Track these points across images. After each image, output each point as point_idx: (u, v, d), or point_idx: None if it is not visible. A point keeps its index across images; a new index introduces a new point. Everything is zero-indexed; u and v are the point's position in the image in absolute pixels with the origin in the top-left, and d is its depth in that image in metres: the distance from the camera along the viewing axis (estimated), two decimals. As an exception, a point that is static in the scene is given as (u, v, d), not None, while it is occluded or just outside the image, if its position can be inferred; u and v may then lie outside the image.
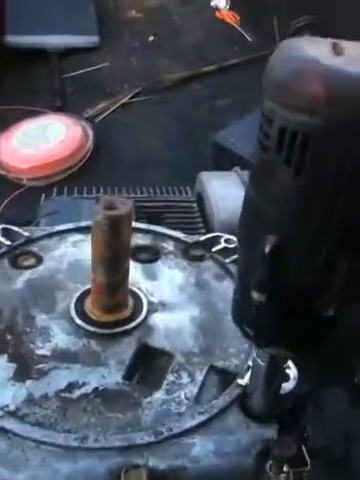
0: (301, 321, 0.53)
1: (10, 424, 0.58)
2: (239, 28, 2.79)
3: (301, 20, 2.44)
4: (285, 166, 0.46)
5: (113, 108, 2.32)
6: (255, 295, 0.52)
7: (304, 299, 0.52)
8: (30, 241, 0.84)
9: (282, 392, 0.64)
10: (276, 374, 0.59)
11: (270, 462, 0.59)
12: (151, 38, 2.79)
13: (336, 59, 0.44)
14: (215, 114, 2.29)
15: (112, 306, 0.72)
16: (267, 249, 0.49)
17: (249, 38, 2.74)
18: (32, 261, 0.81)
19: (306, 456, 0.72)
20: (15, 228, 0.84)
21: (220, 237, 0.88)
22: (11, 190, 1.82)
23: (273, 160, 0.47)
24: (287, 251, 0.49)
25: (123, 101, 2.36)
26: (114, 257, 0.68)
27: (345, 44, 0.45)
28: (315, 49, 0.45)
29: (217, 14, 2.89)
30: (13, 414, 0.60)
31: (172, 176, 1.94)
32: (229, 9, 2.91)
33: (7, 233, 0.83)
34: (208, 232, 1.06)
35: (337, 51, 0.45)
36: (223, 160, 1.79)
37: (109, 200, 0.67)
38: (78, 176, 1.93)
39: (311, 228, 0.48)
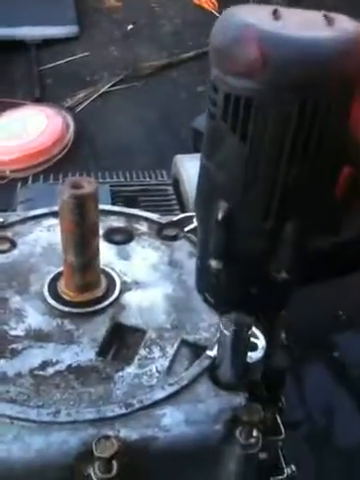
0: (257, 285, 0.55)
1: (-17, 402, 0.59)
2: (217, 14, 2.79)
3: (275, 2, 2.45)
4: (231, 133, 0.47)
5: (93, 97, 2.32)
6: (213, 263, 0.53)
7: (257, 264, 0.53)
8: (3, 226, 0.85)
9: (250, 361, 0.65)
10: (241, 342, 0.60)
11: (240, 428, 0.60)
12: (130, 26, 2.78)
13: (273, 24, 0.45)
14: (195, 100, 2.29)
15: (84, 286, 0.73)
16: (219, 216, 0.50)
17: (228, 23, 2.75)
18: (6, 246, 0.82)
19: (281, 426, 0.74)
20: (-12, 214, 0.85)
21: (193, 217, 0.89)
22: (-7, 182, 1.83)
23: (220, 128, 0.48)
24: (237, 217, 0.50)
25: (103, 90, 2.36)
26: (83, 236, 0.69)
27: (286, 11, 0.47)
28: (254, 15, 0.46)
29: (195, 0, 2.89)
30: (-13, 393, 0.61)
31: (154, 163, 1.94)
32: (207, -5, 2.90)
33: (-20, 220, 0.84)
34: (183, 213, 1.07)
35: (276, 16, 0.46)
36: (201, 145, 1.80)
37: (75, 180, 0.67)
38: (60, 166, 1.93)
39: (258, 193, 0.50)
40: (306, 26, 0.46)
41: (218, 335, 0.68)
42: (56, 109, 2.16)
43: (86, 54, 2.60)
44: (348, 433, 1.17)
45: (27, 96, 2.29)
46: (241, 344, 0.60)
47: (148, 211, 0.94)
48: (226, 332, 0.58)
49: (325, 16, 0.47)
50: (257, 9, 0.48)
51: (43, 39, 2.60)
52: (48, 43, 2.62)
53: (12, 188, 1.83)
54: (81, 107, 2.28)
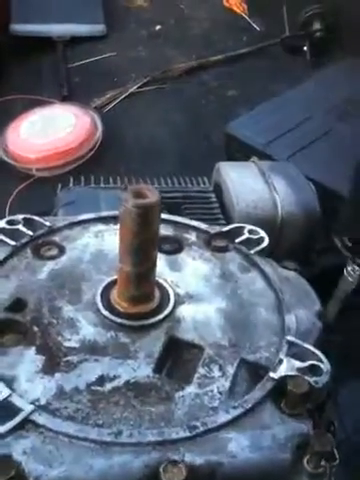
0: None
1: (42, 419, 0.57)
2: (247, 17, 2.76)
3: (310, 9, 2.42)
4: None
5: (121, 98, 2.30)
6: None
7: None
8: (52, 231, 0.82)
9: (316, 386, 0.62)
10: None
11: (307, 457, 0.58)
12: (158, 27, 2.76)
13: None
14: (223, 104, 2.26)
15: (139, 297, 0.70)
16: None
17: (257, 28, 2.71)
18: (55, 251, 0.80)
19: (335, 451, 0.71)
20: (37, 218, 0.83)
21: (243, 228, 0.86)
22: (20, 181, 1.80)
23: None
24: None
25: (131, 91, 2.33)
26: (143, 246, 0.66)
27: None
28: None
29: (225, 3, 2.86)
30: (44, 408, 0.58)
31: (182, 166, 1.92)
32: (237, -2, 2.88)
33: (29, 223, 0.82)
34: (227, 223, 1.05)
35: None
36: (235, 151, 1.78)
37: (137, 188, 0.65)
38: (87, 166, 1.91)
39: None
40: None
41: (280, 356, 0.65)
42: (84, 109, 2.14)
43: (113, 54, 2.59)
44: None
45: (54, 94, 2.28)
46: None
47: (193, 219, 0.91)
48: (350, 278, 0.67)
49: None
50: None
51: (71, 37, 2.58)
52: (75, 41, 2.60)
53: (39, 187, 1.83)
54: (109, 108, 2.25)
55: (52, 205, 1.12)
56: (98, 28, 2.67)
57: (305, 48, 2.43)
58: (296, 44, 2.45)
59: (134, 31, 2.75)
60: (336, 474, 0.74)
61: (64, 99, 2.22)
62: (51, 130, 1.97)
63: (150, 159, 2.00)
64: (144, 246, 0.66)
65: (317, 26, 2.45)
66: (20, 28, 2.50)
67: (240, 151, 1.73)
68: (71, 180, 1.13)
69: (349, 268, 0.72)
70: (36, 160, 1.88)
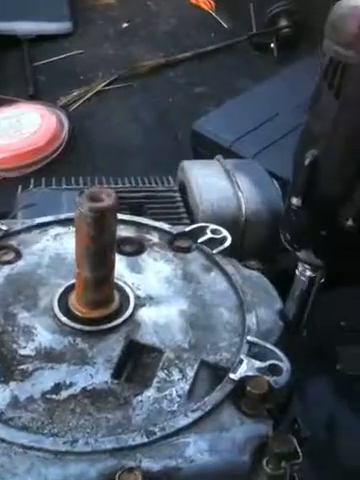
0: (327, 228, 0.66)
1: (-5, 429, 0.55)
2: (214, 14, 2.76)
3: (277, 6, 2.42)
4: (328, 90, 0.59)
5: (88, 96, 2.27)
6: (294, 200, 0.66)
7: (329, 207, 0.64)
8: (8, 235, 0.80)
9: (276, 386, 0.62)
10: (311, 287, 0.75)
11: (266, 458, 0.57)
12: (125, 24, 2.73)
13: None
14: (192, 101, 2.26)
15: (98, 301, 0.69)
16: (307, 161, 0.63)
17: (225, 24, 2.71)
18: (11, 256, 0.78)
19: (298, 449, 0.71)
20: (-8, 222, 0.81)
21: (206, 227, 0.86)
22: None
23: (321, 85, 0.60)
24: (322, 164, 0.62)
25: (98, 89, 2.31)
26: (100, 250, 0.65)
27: None
28: None
29: (192, 0, 2.85)
30: (-2, 418, 0.57)
31: (151, 165, 1.91)
32: (204, -5, 2.87)
33: (-16, 227, 0.80)
34: (192, 222, 1.04)
35: None
36: (202, 148, 1.77)
37: (93, 192, 0.64)
38: (54, 167, 1.88)
39: (343, 146, 0.61)
40: None
41: (241, 356, 0.65)
42: (50, 108, 2.10)
43: (80, 52, 2.55)
44: (352, 450, 1.15)
45: (20, 93, 2.24)
46: (311, 290, 0.74)
47: (156, 219, 0.90)
48: (302, 278, 0.71)
49: None
50: None
51: (36, 35, 2.54)
52: (41, 39, 2.56)
53: (4, 188, 1.79)
54: (75, 106, 2.23)
55: (13, 202, 1.10)
56: (64, 26, 2.63)
57: (272, 45, 2.43)
58: (263, 41, 2.45)
59: (101, 28, 2.72)
60: (302, 471, 0.74)
61: (30, 98, 2.18)
62: (17, 130, 1.94)
63: (118, 157, 1.99)
64: (101, 250, 0.65)
65: (284, 23, 2.46)
66: (-16, 26, 2.45)
67: (207, 149, 1.73)
68: (32, 181, 1.10)
69: (300, 268, 0.73)
70: (1, 160, 1.85)
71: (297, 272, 0.75)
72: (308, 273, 0.75)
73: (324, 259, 0.71)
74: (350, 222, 0.64)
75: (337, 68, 0.59)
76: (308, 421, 1.18)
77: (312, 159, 0.63)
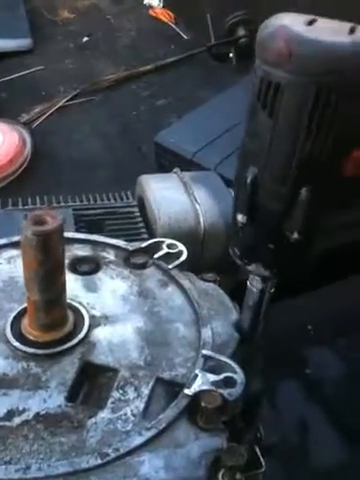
0: (274, 242, 0.66)
1: None
2: (174, 26, 2.78)
3: (235, 16, 2.46)
4: (262, 109, 0.59)
5: (50, 112, 2.27)
6: (239, 217, 0.66)
7: (274, 222, 0.65)
8: None
9: (230, 398, 0.63)
10: (263, 297, 0.77)
11: (222, 471, 0.58)
12: (85, 39, 2.74)
13: (303, 27, 0.58)
14: (155, 114, 2.27)
15: (50, 324, 0.69)
16: (248, 179, 0.63)
17: (184, 36, 2.74)
18: (-36, 281, 0.77)
19: (261, 458, 0.71)
20: None
21: (162, 242, 0.86)
22: None
23: (254, 104, 0.60)
24: (262, 181, 0.63)
25: (60, 104, 2.31)
26: (48, 273, 0.65)
27: (321, 20, 0.60)
28: (291, 19, 0.59)
29: (151, 12, 2.87)
30: None
31: (115, 178, 1.92)
32: (163, 7, 2.90)
33: None
34: (150, 237, 1.05)
35: (310, 23, 0.59)
36: (165, 160, 1.78)
37: (37, 215, 0.63)
38: (17, 184, 1.88)
39: (278, 161, 0.61)
40: (331, 32, 0.58)
41: (196, 371, 0.65)
42: (12, 125, 2.10)
43: (41, 68, 2.55)
44: (322, 452, 1.16)
45: (-20, 111, 2.22)
46: (263, 298, 0.75)
47: (115, 236, 0.90)
48: (253, 288, 0.73)
49: (351, 27, 0.59)
50: (298, 16, 0.60)
51: (-4, 52, 2.53)
52: (2, 56, 2.56)
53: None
54: (38, 122, 2.22)
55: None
56: (25, 42, 2.63)
57: (231, 54, 2.47)
58: (222, 51, 2.49)
59: (61, 44, 2.73)
60: (272, 474, 0.75)
61: (-9, 116, 2.17)
62: (-23, 149, 1.92)
63: (82, 172, 1.99)
64: (49, 273, 0.65)
65: (242, 32, 2.49)
66: None
67: (170, 160, 1.74)
68: (-10, 203, 1.10)
69: (251, 280, 0.74)
70: None
71: (248, 284, 0.76)
72: (259, 285, 0.76)
73: (273, 271, 0.72)
74: (295, 235, 0.65)
75: (269, 88, 0.58)
76: (278, 426, 1.19)
77: (252, 177, 0.64)
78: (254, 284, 0.76)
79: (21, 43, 2.65)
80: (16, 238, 0.84)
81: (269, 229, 0.66)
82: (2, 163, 1.90)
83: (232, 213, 0.70)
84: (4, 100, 2.35)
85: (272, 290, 0.77)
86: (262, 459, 0.73)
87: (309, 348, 1.35)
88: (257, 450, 0.75)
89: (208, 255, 1.07)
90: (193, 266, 0.86)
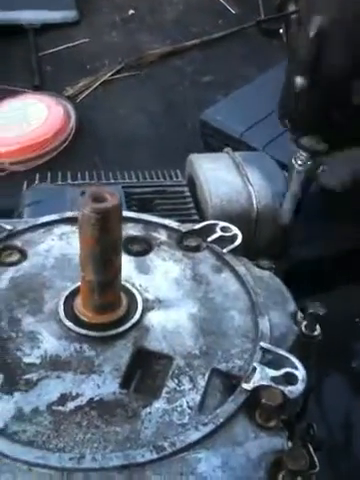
0: (337, 108, 0.61)
1: (-2, 445, 0.53)
2: (222, 0, 2.69)
3: (286, -10, 2.36)
4: None
5: (94, 86, 2.23)
6: (298, 80, 0.62)
7: (342, 82, 0.59)
8: (12, 235, 0.77)
9: (291, 396, 0.59)
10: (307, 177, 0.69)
11: (282, 474, 0.55)
12: (131, 12, 2.68)
13: None
14: (200, 90, 2.21)
15: (104, 306, 0.66)
16: (312, 33, 0.57)
17: (232, 10, 2.65)
18: (16, 257, 0.75)
19: (315, 458, 0.68)
20: (-5, 221, 0.78)
21: (216, 225, 0.82)
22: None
23: None
24: (330, 34, 0.56)
25: (104, 78, 2.27)
26: (105, 253, 0.62)
27: None
28: None
29: (199, -15, 2.78)
30: (2, 433, 0.54)
31: (159, 156, 1.88)
32: (212, -20, 2.81)
33: (-13, 227, 0.77)
34: (201, 218, 1.01)
35: None
36: (212, 139, 1.73)
37: (96, 192, 0.60)
38: (61, 159, 1.85)
39: (355, 10, 0.55)
40: None
41: (254, 364, 0.62)
42: (56, 98, 2.07)
43: (86, 40, 2.51)
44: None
45: (25, 84, 2.20)
46: (310, 179, 0.68)
47: (165, 216, 0.87)
48: (297, 166, 0.66)
49: None
50: None
51: (42, 24, 2.50)
52: (47, 28, 2.52)
53: (12, 181, 1.77)
54: (82, 97, 2.19)
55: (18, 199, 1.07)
56: (70, 14, 2.59)
57: (281, 30, 2.37)
58: (272, 27, 2.40)
59: (107, 16, 2.68)
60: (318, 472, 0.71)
61: (36, 89, 2.15)
62: (23, 121, 1.91)
63: (125, 149, 1.95)
64: (106, 253, 0.62)
65: (293, 8, 2.39)
66: (-12, 15, 2.41)
67: (217, 139, 1.69)
68: (37, 177, 1.07)
69: (297, 157, 0.71)
70: (8, 153, 1.82)
71: (292, 162, 0.73)
72: (306, 162, 0.71)
73: (330, 142, 0.65)
74: None
75: None
76: (323, 421, 1.16)
77: (318, 30, 0.57)
78: (300, 162, 0.71)
79: (66, 15, 2.61)
80: (69, 214, 0.82)
81: (333, 92, 0.60)
82: (47, 137, 1.88)
83: (286, 81, 0.64)
84: (49, 73, 2.33)
85: (320, 170, 0.71)
86: (316, 460, 0.69)
87: (356, 341, 1.30)
88: (311, 449, 0.72)
89: (259, 239, 1.03)
90: (244, 250, 0.82)
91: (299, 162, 0.70)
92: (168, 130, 2.06)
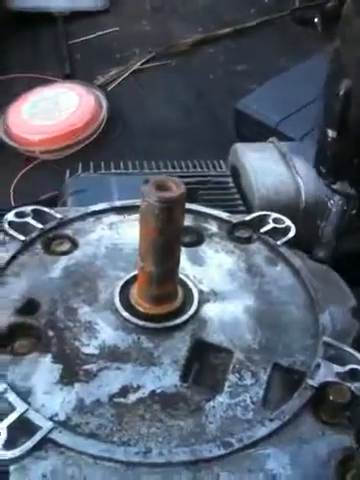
0: None
1: (63, 437, 0.52)
2: (254, -12, 2.65)
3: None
4: (357, 15, 0.60)
5: (125, 75, 2.21)
6: (329, 132, 0.69)
7: None
8: (63, 224, 0.76)
9: (359, 393, 0.57)
10: (344, 217, 0.80)
11: (352, 473, 0.53)
12: (162, 0, 2.65)
13: None
14: (232, 80, 2.18)
15: (162, 296, 0.65)
16: (341, 92, 0.65)
17: (265, -1, 2.61)
18: (67, 246, 0.74)
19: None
20: (46, 209, 0.77)
21: (268, 216, 0.80)
22: (23, 163, 1.74)
23: (349, 11, 0.62)
24: (356, 92, 0.64)
25: (135, 67, 2.25)
26: (167, 244, 0.60)
27: None
28: None
29: (231, -27, 2.74)
30: (65, 424, 0.53)
31: (191, 145, 1.85)
32: (244, -32, 2.76)
33: (38, 215, 0.76)
34: (247, 209, 0.99)
35: None
36: (246, 129, 1.70)
37: (160, 180, 0.59)
38: (93, 148, 1.84)
39: None
40: None
41: (318, 360, 0.60)
42: (87, 87, 2.05)
43: (116, 29, 2.49)
44: None
45: (56, 72, 2.19)
46: (344, 216, 0.78)
47: (211, 207, 0.85)
48: (333, 208, 0.77)
49: None
50: None
51: (71, 12, 2.49)
52: (76, 16, 2.51)
53: (44, 170, 1.76)
54: (112, 86, 2.17)
55: (57, 189, 1.06)
56: (100, 2, 2.57)
57: (316, 19, 2.33)
58: (307, 15, 2.35)
59: (137, 4, 2.65)
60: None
61: (66, 77, 2.14)
62: (54, 110, 1.90)
63: (157, 138, 1.93)
64: (168, 244, 0.60)
65: (328, -4, 2.35)
66: (18, 3, 2.40)
67: (251, 129, 1.66)
68: (80, 166, 1.06)
69: (334, 200, 0.82)
70: (39, 142, 1.81)
71: (329, 205, 0.82)
72: (341, 205, 0.80)
73: (358, 189, 0.75)
74: None
75: None
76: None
77: (346, 89, 0.65)
78: (336, 205, 0.79)
79: (96, 3, 2.59)
80: (117, 203, 0.80)
81: (358, 143, 0.69)
82: (79, 126, 1.86)
83: (320, 133, 0.72)
84: (79, 61, 2.31)
85: (354, 212, 0.80)
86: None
87: None
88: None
89: (306, 231, 1.01)
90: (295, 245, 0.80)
91: (335, 205, 0.81)
92: (199, 120, 2.04)
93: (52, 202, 1.08)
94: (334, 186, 0.76)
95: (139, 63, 2.29)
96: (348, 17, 0.62)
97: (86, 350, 0.60)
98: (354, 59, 0.63)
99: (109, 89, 2.15)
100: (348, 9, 0.61)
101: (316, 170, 0.76)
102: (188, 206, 0.82)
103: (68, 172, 1.03)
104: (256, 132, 1.55)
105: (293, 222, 0.81)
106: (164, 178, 0.59)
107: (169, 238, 0.60)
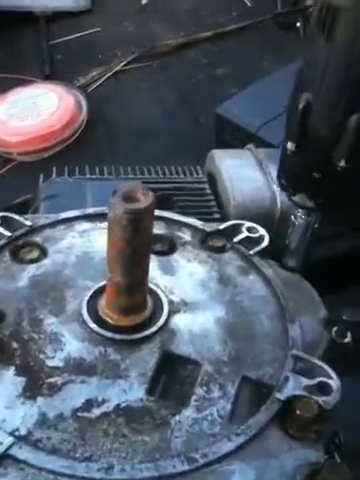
0: (320, 170, 0.67)
1: (23, 452, 0.50)
2: (237, -9, 2.65)
3: (303, -17, 2.32)
4: (320, 35, 0.60)
5: (107, 76, 2.20)
6: (289, 145, 0.67)
7: (322, 149, 0.66)
8: (32, 231, 0.75)
9: (326, 407, 0.57)
10: (308, 230, 0.79)
11: (317, 488, 0.52)
12: (145, 1, 2.64)
13: None
14: (214, 83, 2.18)
15: (130, 307, 0.64)
16: (300, 105, 0.64)
17: (248, 3, 2.61)
18: (36, 254, 0.73)
19: (345, 467, 0.66)
20: (15, 216, 0.75)
21: (241, 225, 0.80)
22: (1, 165, 1.71)
23: (314, 31, 0.62)
24: (314, 107, 0.64)
25: (117, 68, 2.23)
26: (135, 255, 0.59)
27: None
28: None
29: (214, -24, 2.74)
30: (25, 439, 0.52)
31: (172, 149, 1.84)
32: (227, -29, 2.76)
33: (6, 222, 0.74)
34: (222, 217, 0.98)
35: None
36: (226, 134, 1.70)
37: (128, 191, 0.58)
38: (72, 150, 1.82)
39: (332, 86, 0.63)
40: None
41: (286, 373, 0.60)
42: (68, 88, 2.03)
43: (98, 29, 2.47)
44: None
45: (36, 73, 2.17)
46: (308, 231, 0.78)
47: (186, 214, 0.84)
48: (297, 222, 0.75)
49: None
50: None
51: (53, 12, 2.47)
52: (58, 16, 2.48)
53: (21, 173, 1.74)
54: (93, 87, 2.15)
55: (35, 192, 1.05)
56: (82, 2, 2.54)
57: (298, 24, 2.33)
58: (289, 20, 2.36)
59: (119, 5, 2.63)
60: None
61: (46, 78, 2.11)
62: (33, 111, 1.87)
63: (138, 141, 1.92)
64: (136, 254, 0.59)
65: (310, 1, 2.36)
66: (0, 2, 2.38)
67: (231, 134, 1.66)
68: (54, 170, 1.04)
69: (296, 213, 0.80)
70: (17, 143, 1.79)
71: (292, 218, 0.80)
72: (303, 218, 0.79)
73: (318, 202, 0.73)
74: (342, 163, 0.66)
75: (328, 12, 0.60)
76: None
77: (305, 103, 0.65)
78: (299, 218, 0.78)
79: (78, 3, 2.57)
80: (90, 210, 0.79)
81: (317, 157, 0.67)
82: (57, 128, 1.84)
83: (282, 143, 0.71)
84: (60, 62, 2.29)
85: (316, 225, 0.79)
86: (346, 468, 0.67)
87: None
88: (337, 457, 0.70)
89: (281, 240, 1.00)
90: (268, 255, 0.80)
91: (298, 218, 0.79)
92: (181, 123, 2.03)
93: (26, 206, 1.06)
94: (294, 198, 0.75)
95: (121, 64, 2.28)
96: (312, 36, 0.63)
97: (51, 363, 0.59)
98: (316, 74, 0.63)
99: (90, 90, 2.13)
100: (312, 29, 0.63)
101: (278, 182, 0.76)
102: (161, 214, 0.82)
103: (42, 176, 1.02)
104: (236, 137, 1.55)
105: (269, 230, 0.81)
106: (133, 187, 0.58)
107: (137, 248, 0.59)
